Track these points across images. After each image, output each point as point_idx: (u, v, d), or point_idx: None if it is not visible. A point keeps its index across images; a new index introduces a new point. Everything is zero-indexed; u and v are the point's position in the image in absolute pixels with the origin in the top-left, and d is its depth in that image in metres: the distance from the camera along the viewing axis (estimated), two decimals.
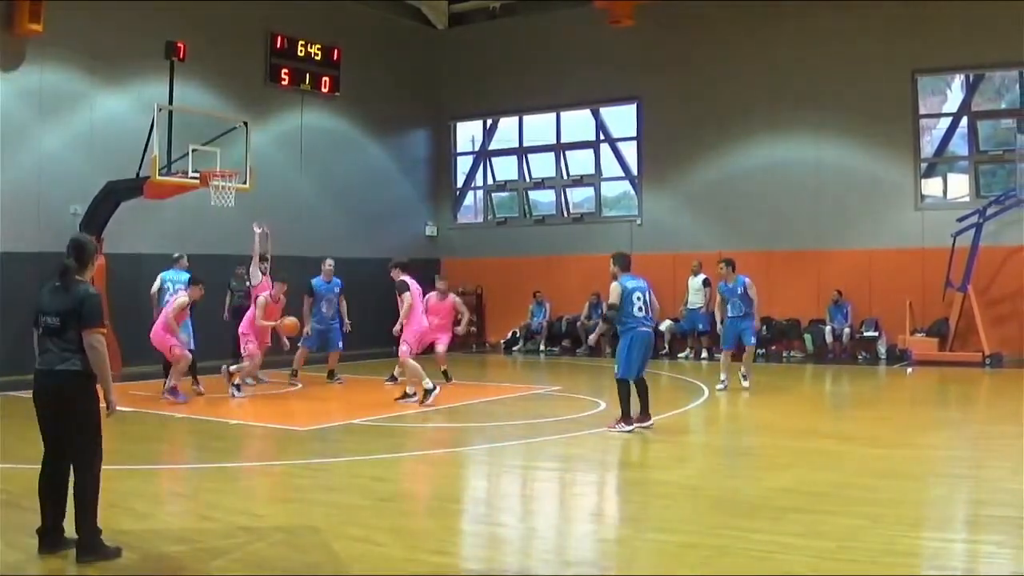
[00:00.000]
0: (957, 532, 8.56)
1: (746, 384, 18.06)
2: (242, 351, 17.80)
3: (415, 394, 16.17)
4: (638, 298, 13.49)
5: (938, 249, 23.44)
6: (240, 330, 18.07)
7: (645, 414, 13.58)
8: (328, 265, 19.63)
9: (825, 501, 9.20)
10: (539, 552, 7.95)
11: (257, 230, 19.29)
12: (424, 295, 17.54)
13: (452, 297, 19.75)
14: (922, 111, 25.44)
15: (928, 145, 25.68)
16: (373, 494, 9.83)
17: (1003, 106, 25.60)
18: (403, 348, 16.24)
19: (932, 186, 25.85)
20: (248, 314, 18.09)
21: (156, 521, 7.63)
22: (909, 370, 22.21)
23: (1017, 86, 24.77)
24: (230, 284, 20.88)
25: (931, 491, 10.12)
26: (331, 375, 19.88)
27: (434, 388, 15.94)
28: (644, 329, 13.55)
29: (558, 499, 10.26)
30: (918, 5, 24.21)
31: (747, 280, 18.07)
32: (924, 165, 25.47)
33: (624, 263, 13.87)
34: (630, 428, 13.28)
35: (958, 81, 25.55)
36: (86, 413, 7.25)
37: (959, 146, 25.38)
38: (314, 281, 19.47)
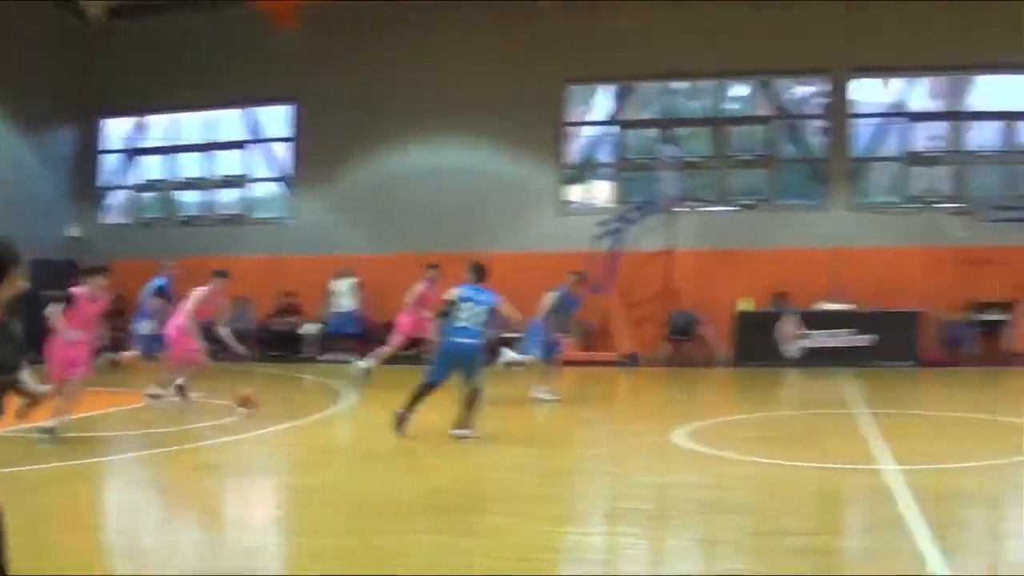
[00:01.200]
0: (598, 526, 8.84)
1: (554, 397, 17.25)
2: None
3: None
4: (467, 307, 13.06)
5: (581, 253, 24.21)
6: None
7: (462, 423, 13.06)
8: None
9: (474, 499, 9.34)
10: (182, 562, 7.67)
11: None
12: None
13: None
14: (570, 119, 26.28)
15: (573, 152, 26.53)
16: (13, 508, 9.33)
17: (648, 116, 26.80)
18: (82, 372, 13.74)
19: (576, 192, 26.71)
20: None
21: None
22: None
23: (662, 97, 26.08)
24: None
25: (575, 487, 10.42)
26: None
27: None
28: (457, 340, 13.03)
29: (202, 508, 9.96)
30: (569, 15, 24.96)
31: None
32: (569, 172, 26.30)
33: (475, 272, 13.45)
34: (400, 429, 13.00)
35: (606, 91, 26.53)
36: None
37: (604, 153, 26.35)
38: None
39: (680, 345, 24.44)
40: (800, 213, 25.26)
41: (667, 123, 26.19)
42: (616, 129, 26.25)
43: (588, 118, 27.05)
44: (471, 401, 13.03)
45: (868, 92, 25.97)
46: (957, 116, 25.16)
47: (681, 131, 26.57)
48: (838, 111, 25.22)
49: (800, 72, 25.90)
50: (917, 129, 25.37)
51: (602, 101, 26.91)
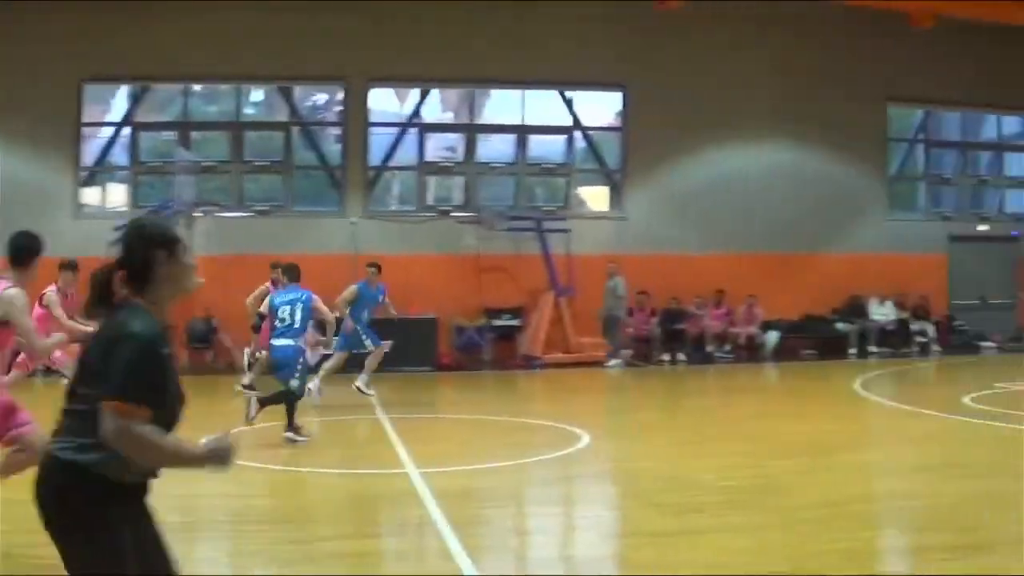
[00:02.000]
0: None
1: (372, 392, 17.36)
2: None
3: None
4: (283, 311, 13.53)
5: (97, 258, 23.34)
6: None
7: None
8: None
9: None
10: None
11: None
12: None
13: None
14: (86, 119, 25.25)
15: (89, 154, 25.57)
16: None
17: (166, 119, 26.26)
18: None
19: (92, 195, 25.76)
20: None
21: None
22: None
23: (180, 100, 25.71)
24: None
25: None
26: None
27: None
28: (274, 342, 13.57)
29: None
30: (86, 13, 23.93)
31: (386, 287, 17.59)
32: (85, 174, 25.34)
33: (289, 274, 14.33)
34: (298, 438, 12.97)
35: (123, 91, 25.74)
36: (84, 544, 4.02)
37: (120, 156, 25.58)
38: None
39: (199, 352, 24.11)
40: (317, 219, 25.54)
41: (183, 126, 25.72)
42: (132, 131, 25.45)
43: (106, 118, 26.07)
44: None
45: (385, 102, 26.70)
46: (470, 128, 26.35)
47: (198, 135, 26.23)
48: (355, 119, 25.73)
49: (318, 79, 26.23)
50: (431, 139, 26.37)
51: (119, 102, 26.03)
